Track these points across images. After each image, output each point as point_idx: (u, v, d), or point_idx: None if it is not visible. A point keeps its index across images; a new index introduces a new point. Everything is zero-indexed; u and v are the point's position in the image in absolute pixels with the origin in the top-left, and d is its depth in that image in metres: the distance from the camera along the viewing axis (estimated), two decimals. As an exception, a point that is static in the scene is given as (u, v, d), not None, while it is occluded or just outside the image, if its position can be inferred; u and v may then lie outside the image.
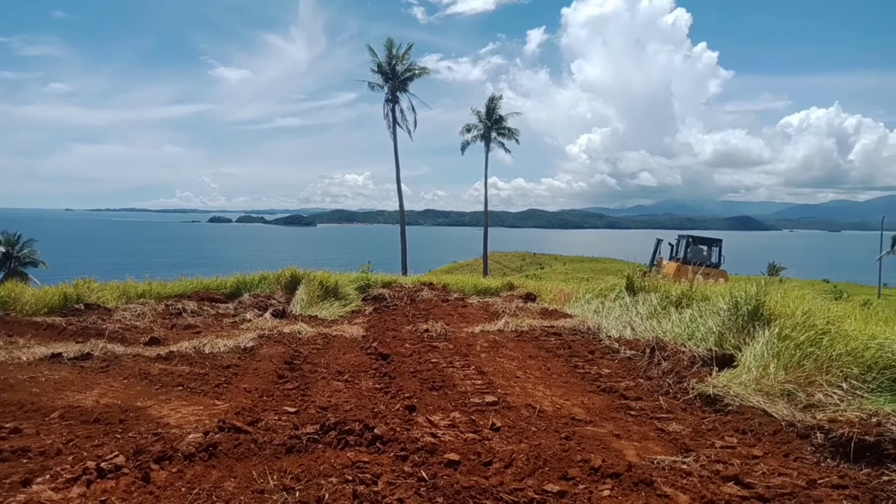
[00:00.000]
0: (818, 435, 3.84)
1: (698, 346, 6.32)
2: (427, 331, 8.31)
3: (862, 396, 4.32)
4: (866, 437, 3.60)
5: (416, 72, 47.79)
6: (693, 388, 5.15)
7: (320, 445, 3.65)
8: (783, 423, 4.17)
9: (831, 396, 4.36)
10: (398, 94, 47.41)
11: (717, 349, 6.02)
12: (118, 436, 3.91)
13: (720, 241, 21.93)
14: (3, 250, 47.65)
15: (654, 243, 23.28)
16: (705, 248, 22.02)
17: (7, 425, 3.95)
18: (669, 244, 22.63)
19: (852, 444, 3.59)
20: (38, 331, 7.93)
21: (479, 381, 5.66)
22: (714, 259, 21.37)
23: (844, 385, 4.44)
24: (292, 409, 4.66)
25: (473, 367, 6.26)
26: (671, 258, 21.93)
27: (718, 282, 17.58)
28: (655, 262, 21.60)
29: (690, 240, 21.94)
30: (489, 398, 5.03)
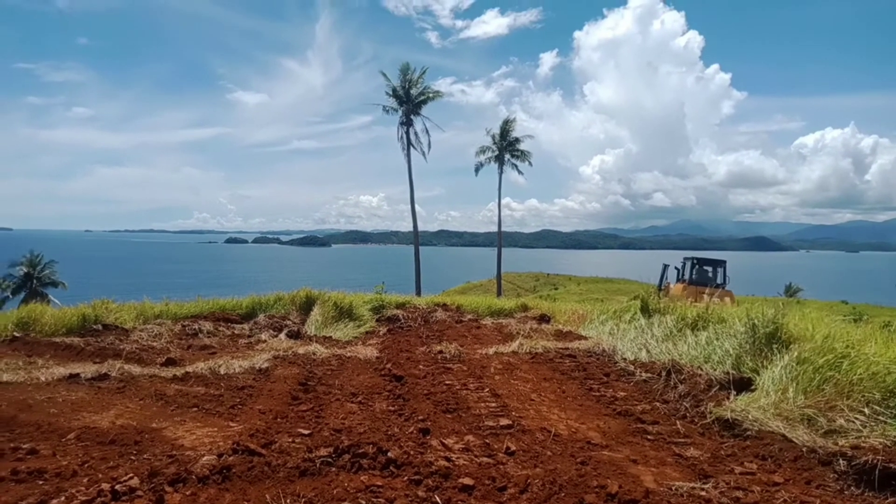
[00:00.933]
0: (841, 462, 3.75)
1: (715, 370, 6.24)
2: (441, 352, 8.28)
3: (885, 422, 4.22)
4: (891, 465, 3.51)
5: (430, 95, 48.23)
6: (711, 412, 5.06)
7: (334, 468, 3.63)
8: (804, 449, 4.08)
9: (853, 422, 4.27)
10: (412, 117, 47.84)
11: (734, 372, 5.93)
12: (133, 457, 3.93)
13: (724, 262, 22.25)
14: (25, 271, 48.43)
15: (661, 268, 23.76)
16: (710, 269, 22.40)
17: (24, 446, 3.98)
18: (675, 268, 23.03)
19: (877, 472, 3.50)
20: (56, 351, 8.02)
21: (493, 404, 5.61)
22: (719, 280, 21.70)
23: (866, 410, 4.35)
24: (306, 432, 4.65)
25: (488, 389, 6.22)
26: (678, 280, 22.34)
27: (724, 301, 18.02)
28: (663, 287, 21.81)
29: (695, 262, 22.39)
30: (504, 421, 4.99)
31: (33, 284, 48.00)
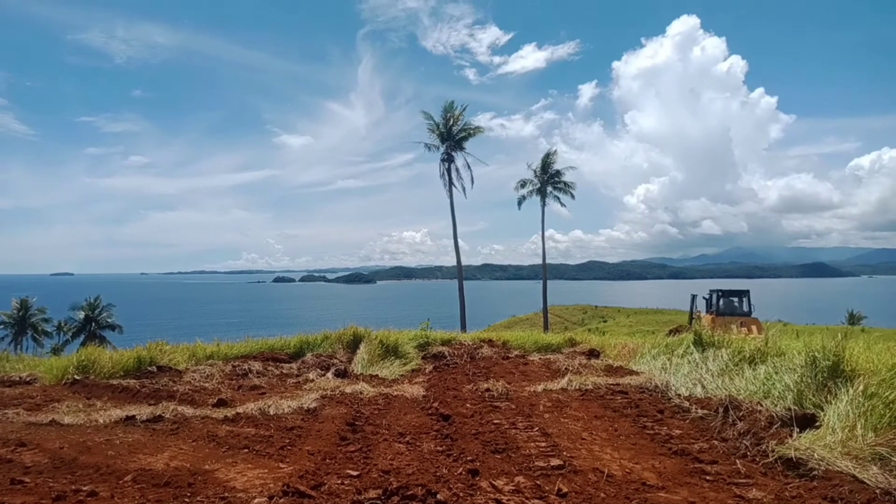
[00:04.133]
0: (918, 504, 3.52)
1: (775, 405, 5.96)
2: (488, 390, 8.19)
3: (965, 461, 3.95)
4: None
5: (471, 131, 48.87)
6: (773, 451, 4.82)
7: (383, 511, 3.61)
8: (878, 491, 3.84)
9: (930, 461, 4.01)
10: (453, 153, 48.49)
11: (796, 408, 5.65)
12: (187, 499, 3.98)
13: (748, 291, 23.75)
14: (85, 314, 50.49)
15: (689, 301, 25.50)
16: (736, 299, 23.92)
17: (85, 488, 4.09)
18: (703, 297, 24.45)
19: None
20: (114, 393, 8.27)
21: (543, 444, 5.49)
22: (745, 308, 23.31)
23: (943, 448, 4.08)
24: (355, 473, 4.64)
25: (537, 428, 6.10)
26: (707, 312, 23.67)
27: (752, 329, 19.00)
28: (694, 317, 22.97)
29: (721, 293, 24.01)
30: (554, 461, 4.87)
31: (92, 327, 49.98)
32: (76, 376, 9.17)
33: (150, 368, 10.00)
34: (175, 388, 8.52)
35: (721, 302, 23.77)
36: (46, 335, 51.03)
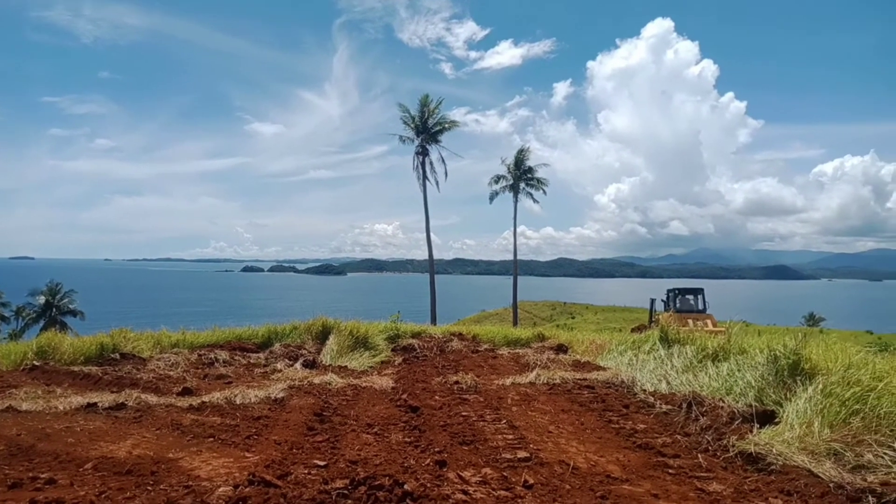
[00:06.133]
0: (870, 498, 3.64)
1: (737, 402, 6.11)
2: (457, 383, 8.21)
3: (915, 458, 4.10)
4: (922, 502, 3.40)
5: (446, 125, 48.73)
6: (733, 446, 4.95)
7: (349, 501, 3.59)
8: (831, 485, 3.96)
9: (882, 457, 4.14)
10: (428, 146, 48.33)
11: (757, 405, 5.79)
12: (150, 488, 3.92)
13: (702, 289, 25.50)
14: (45, 300, 49.15)
15: (648, 303, 27.04)
16: (691, 297, 25.65)
17: (43, 475, 3.99)
18: (661, 300, 25.87)
19: (907, 509, 3.39)
20: (75, 380, 8.07)
21: (510, 436, 5.54)
22: (700, 306, 24.92)
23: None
24: (322, 463, 4.62)
25: (505, 420, 6.14)
26: (665, 310, 24.69)
27: (707, 323, 20.45)
28: (654, 320, 23.62)
29: (677, 292, 25.83)
30: (521, 454, 4.92)
31: (52, 313, 48.69)
32: (35, 362, 8.92)
33: (112, 356, 9.78)
34: (139, 376, 8.36)
35: (677, 300, 25.43)
36: (4, 320, 49.50)
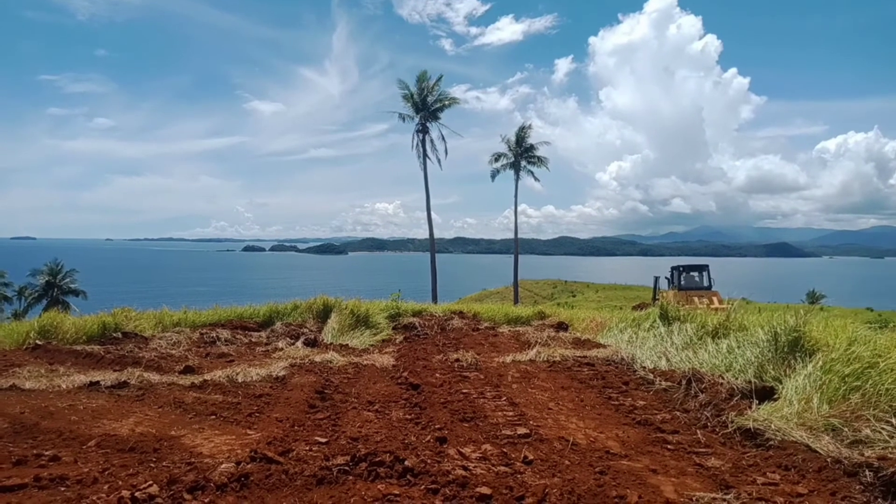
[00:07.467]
0: (867, 473, 3.66)
1: (737, 378, 6.13)
2: (458, 360, 8.25)
3: (913, 433, 4.11)
4: (919, 476, 3.42)
5: (447, 102, 48.35)
6: (732, 422, 4.97)
7: (351, 477, 3.62)
8: (829, 460, 3.98)
9: (880, 432, 4.16)
10: (428, 124, 48.00)
11: (756, 381, 5.82)
12: (152, 465, 3.95)
13: (707, 266, 25.21)
14: (47, 280, 49.26)
15: (652, 280, 26.74)
16: (696, 274, 25.28)
17: (47, 453, 4.02)
18: (666, 278, 25.61)
19: (904, 484, 3.41)
20: (77, 359, 8.12)
21: (510, 413, 5.57)
22: (705, 283, 24.65)
23: (894, 421, 4.24)
24: (323, 440, 4.65)
25: (505, 397, 6.18)
26: (669, 288, 24.75)
27: (712, 300, 20.26)
28: (658, 298, 23.47)
29: (682, 269, 25.38)
30: (521, 430, 4.95)
31: (54, 293, 48.81)
32: (38, 341, 8.98)
33: (115, 335, 9.84)
34: (141, 355, 8.41)
35: (682, 277, 25.08)
36: (6, 300, 49.64)
